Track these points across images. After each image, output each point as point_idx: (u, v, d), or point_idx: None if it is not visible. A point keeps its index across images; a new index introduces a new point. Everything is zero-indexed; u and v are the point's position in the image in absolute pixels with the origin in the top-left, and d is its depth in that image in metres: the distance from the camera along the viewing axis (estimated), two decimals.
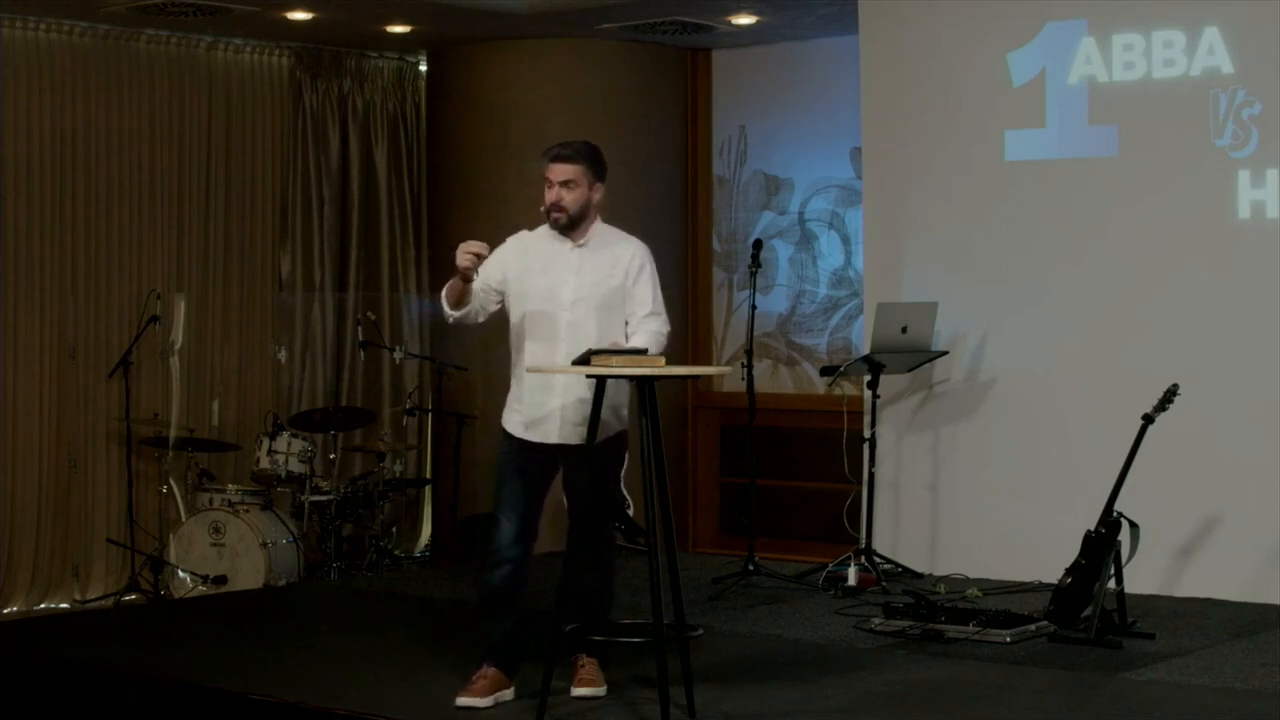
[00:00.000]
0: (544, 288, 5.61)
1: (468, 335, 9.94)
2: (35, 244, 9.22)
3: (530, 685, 5.56)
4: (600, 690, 5.68)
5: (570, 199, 5.60)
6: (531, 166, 6.35)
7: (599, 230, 5.71)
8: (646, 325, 5.67)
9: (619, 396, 5.64)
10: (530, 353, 5.62)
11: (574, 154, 5.64)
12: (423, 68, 10.71)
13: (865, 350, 8.12)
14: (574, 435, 5.59)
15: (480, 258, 5.49)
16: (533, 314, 5.63)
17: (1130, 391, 7.23)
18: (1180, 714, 5.47)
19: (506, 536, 5.66)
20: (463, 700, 5.54)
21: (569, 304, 5.59)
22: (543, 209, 5.63)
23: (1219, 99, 7.67)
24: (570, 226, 5.63)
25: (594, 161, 5.67)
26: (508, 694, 5.62)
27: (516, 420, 5.68)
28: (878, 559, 7.96)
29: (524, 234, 5.78)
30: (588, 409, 5.50)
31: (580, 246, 5.65)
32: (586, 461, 5.51)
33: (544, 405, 5.61)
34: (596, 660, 5.74)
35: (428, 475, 10.65)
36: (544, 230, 5.69)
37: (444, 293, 5.68)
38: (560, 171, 5.61)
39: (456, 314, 5.68)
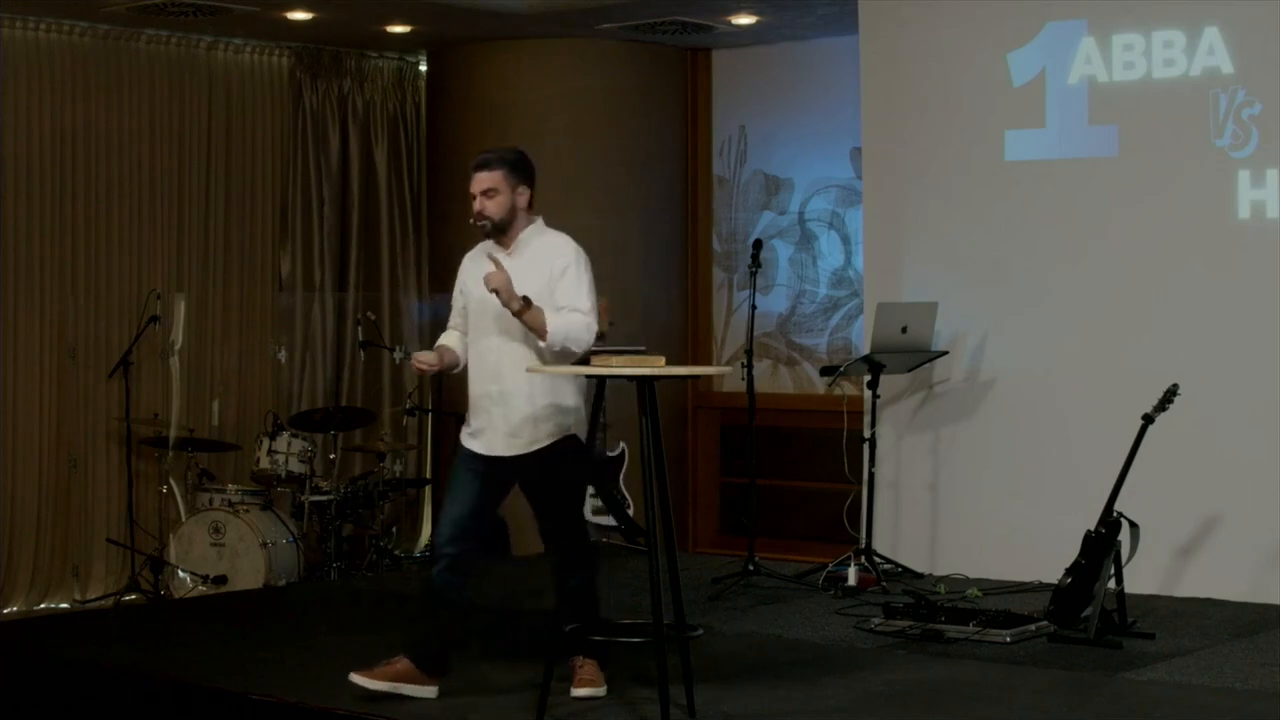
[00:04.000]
0: (483, 299, 5.61)
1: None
2: (35, 244, 9.22)
3: (530, 685, 5.56)
4: (600, 690, 5.67)
5: (493, 207, 5.61)
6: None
7: (531, 234, 5.68)
8: (559, 314, 5.54)
9: (560, 397, 5.61)
10: (473, 363, 5.69)
11: (493, 160, 5.65)
12: (423, 68, 10.71)
13: (865, 350, 8.12)
14: (509, 446, 5.60)
15: (432, 366, 5.68)
16: (475, 326, 5.70)
17: (1130, 391, 7.23)
18: (1180, 714, 5.47)
19: (442, 535, 5.71)
20: (353, 676, 5.56)
21: (498, 315, 5.56)
22: (470, 220, 5.66)
23: (1219, 99, 7.67)
24: (498, 232, 5.64)
25: (515, 166, 5.66)
26: (422, 690, 5.58)
27: (466, 431, 5.71)
28: (878, 559, 7.96)
29: (478, 246, 5.80)
30: (523, 418, 5.55)
31: (511, 256, 5.63)
32: (590, 463, 5.54)
33: (485, 415, 5.64)
34: (595, 661, 5.74)
35: (428, 475, 10.65)
36: (490, 243, 5.71)
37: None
38: (480, 181, 5.62)
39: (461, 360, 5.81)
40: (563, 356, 5.53)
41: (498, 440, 5.63)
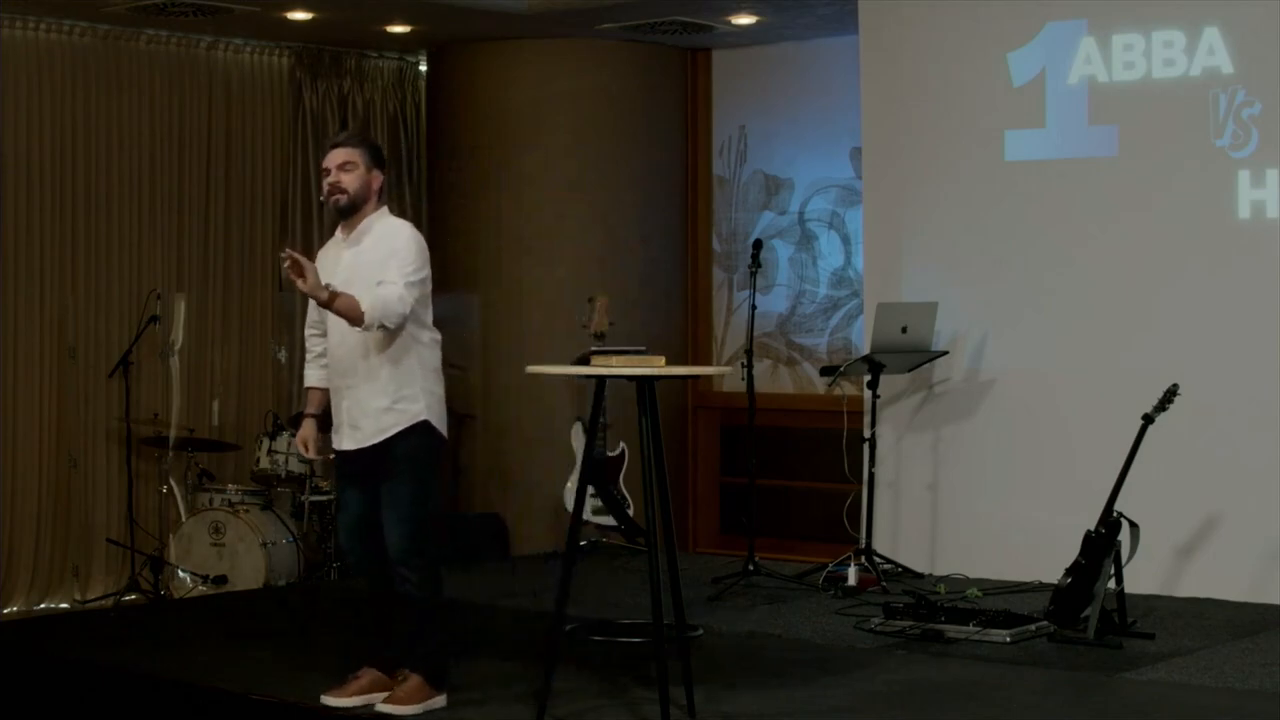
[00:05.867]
0: None
1: (468, 335, 9.96)
2: (35, 244, 9.21)
3: (529, 685, 5.56)
4: (411, 710, 5.42)
5: (349, 179, 5.48)
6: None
7: (373, 221, 5.53)
8: (369, 293, 5.35)
9: (408, 387, 5.45)
10: (330, 358, 5.60)
11: (349, 138, 5.60)
12: (423, 68, 10.71)
13: (865, 350, 8.12)
14: (356, 439, 5.49)
15: (318, 452, 5.67)
16: (326, 321, 5.58)
17: (1130, 391, 7.23)
18: (1180, 714, 5.48)
19: (344, 541, 5.72)
20: (326, 698, 5.50)
21: None
22: (322, 198, 5.56)
23: (1219, 99, 7.67)
24: (351, 210, 5.51)
25: (373, 148, 5.60)
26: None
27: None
28: (878, 559, 7.96)
29: (330, 241, 5.72)
30: (364, 411, 5.44)
31: (351, 245, 5.53)
32: (588, 465, 5.49)
33: (337, 410, 5.57)
34: (423, 675, 5.48)
35: None
36: (338, 234, 5.62)
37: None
38: (337, 155, 5.51)
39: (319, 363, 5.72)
40: (386, 338, 5.37)
41: (345, 435, 5.53)
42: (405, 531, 5.43)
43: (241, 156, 10.03)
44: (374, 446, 5.46)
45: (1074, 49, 8.05)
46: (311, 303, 5.67)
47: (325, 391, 5.68)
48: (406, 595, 5.46)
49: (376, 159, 5.58)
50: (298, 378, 10.18)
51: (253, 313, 10.11)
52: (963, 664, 6.21)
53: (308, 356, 5.77)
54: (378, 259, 5.42)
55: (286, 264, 5.23)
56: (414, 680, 5.47)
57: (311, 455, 5.70)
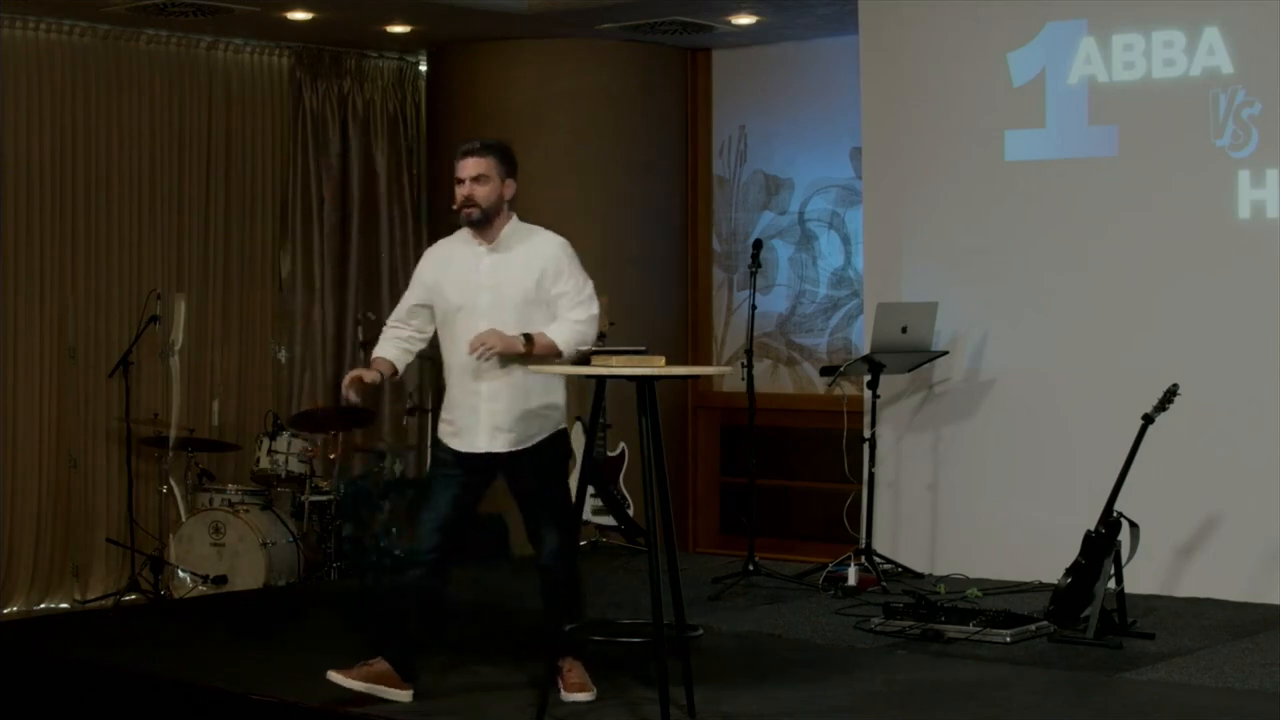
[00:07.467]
0: (461, 297, 5.56)
1: None
2: (35, 244, 9.22)
3: (529, 685, 5.56)
4: (591, 694, 5.60)
5: (482, 193, 5.51)
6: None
7: (513, 229, 5.60)
8: (566, 315, 5.50)
9: (553, 395, 5.59)
10: (456, 364, 5.60)
11: (483, 148, 5.58)
12: (423, 68, 10.71)
13: (865, 350, 8.12)
14: (501, 442, 5.54)
15: (362, 382, 5.60)
16: (456, 324, 5.59)
17: (1130, 391, 7.23)
18: (1180, 714, 5.48)
19: (424, 542, 5.64)
20: (332, 674, 5.50)
21: (485, 311, 5.50)
22: (455, 207, 5.56)
23: (1219, 99, 7.67)
24: (484, 222, 5.54)
25: (505, 156, 5.60)
26: (398, 694, 5.53)
27: (448, 429, 5.64)
28: (878, 559, 7.96)
29: (443, 242, 5.75)
30: (514, 415, 5.50)
31: (493, 251, 5.57)
32: (588, 465, 5.51)
33: (471, 413, 5.57)
34: (581, 662, 5.68)
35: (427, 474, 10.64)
36: (462, 234, 5.64)
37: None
38: (471, 166, 5.52)
39: (401, 368, 5.75)
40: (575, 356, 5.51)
41: (482, 437, 5.55)
42: (566, 529, 5.59)
43: (241, 156, 10.04)
44: (513, 451, 5.54)
45: (1074, 49, 8.05)
46: (407, 304, 5.72)
47: (393, 365, 5.70)
48: (567, 583, 5.59)
49: (510, 166, 5.59)
50: (298, 378, 10.23)
51: (253, 313, 10.11)
52: (963, 664, 6.22)
53: (386, 335, 5.76)
54: (532, 275, 5.49)
55: (477, 353, 5.38)
56: (579, 667, 5.63)
57: (354, 399, 5.63)
